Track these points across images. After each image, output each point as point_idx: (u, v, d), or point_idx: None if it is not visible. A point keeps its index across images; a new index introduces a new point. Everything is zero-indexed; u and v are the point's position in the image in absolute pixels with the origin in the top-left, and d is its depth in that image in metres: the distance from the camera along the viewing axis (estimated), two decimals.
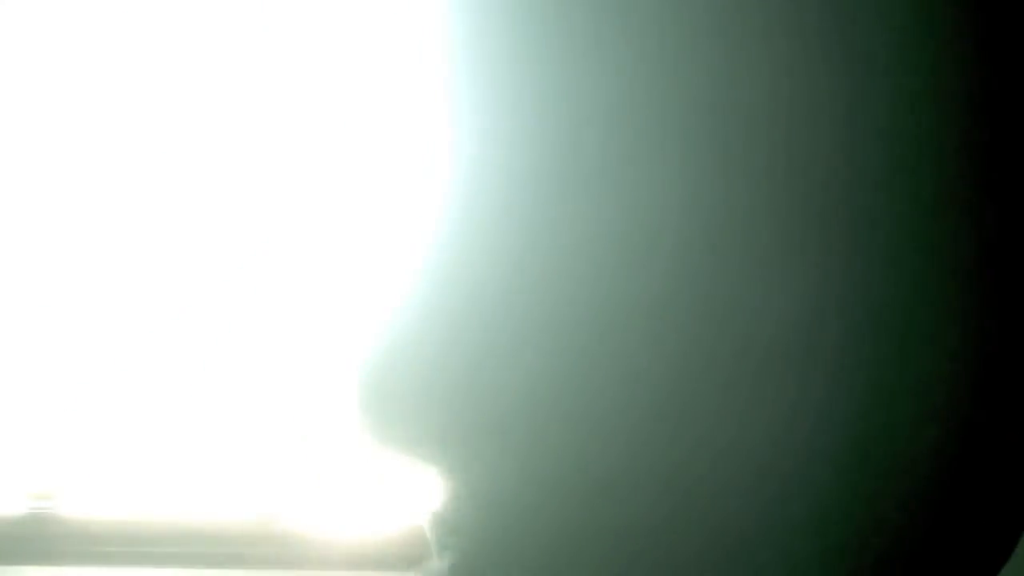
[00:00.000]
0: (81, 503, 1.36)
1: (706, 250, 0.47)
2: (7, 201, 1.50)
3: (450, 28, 0.47)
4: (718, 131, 0.43)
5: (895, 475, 0.50)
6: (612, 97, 0.42)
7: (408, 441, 0.45)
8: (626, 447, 0.42)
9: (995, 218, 0.48)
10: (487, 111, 0.44)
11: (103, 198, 1.47)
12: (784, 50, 0.43)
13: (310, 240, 1.37)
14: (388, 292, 0.45)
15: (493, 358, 0.42)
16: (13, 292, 1.49)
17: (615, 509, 0.41)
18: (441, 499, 0.45)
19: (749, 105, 0.44)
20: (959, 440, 0.49)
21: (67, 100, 1.47)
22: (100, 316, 1.48)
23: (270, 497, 1.31)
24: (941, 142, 0.47)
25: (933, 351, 0.50)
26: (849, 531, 0.52)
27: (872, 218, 0.47)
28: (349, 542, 1.18)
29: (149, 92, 1.45)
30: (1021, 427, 0.51)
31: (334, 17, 1.35)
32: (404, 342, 0.44)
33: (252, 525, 1.25)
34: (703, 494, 0.45)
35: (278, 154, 1.39)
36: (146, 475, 1.40)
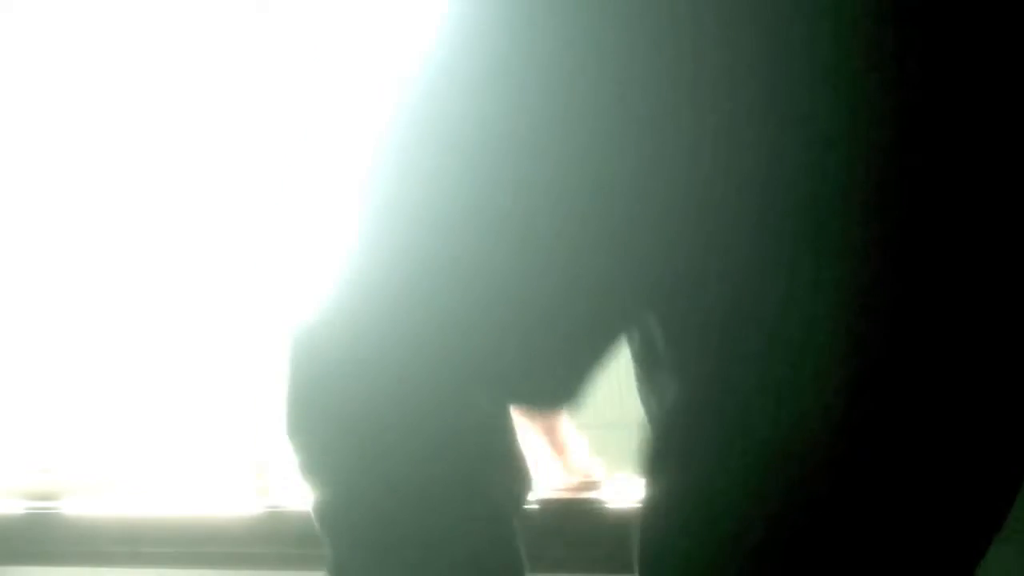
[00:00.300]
0: (81, 503, 1.36)
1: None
2: (6, 199, 1.50)
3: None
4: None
5: (783, 470, 0.53)
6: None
7: None
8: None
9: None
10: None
11: (94, 195, 1.47)
12: None
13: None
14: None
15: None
16: (13, 291, 1.49)
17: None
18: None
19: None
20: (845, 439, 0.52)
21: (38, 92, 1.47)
22: (100, 315, 1.48)
23: (270, 496, 1.30)
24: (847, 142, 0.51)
25: (819, 353, 0.53)
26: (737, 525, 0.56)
27: (774, 223, 0.51)
28: None
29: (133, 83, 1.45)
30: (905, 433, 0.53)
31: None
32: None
33: (252, 525, 1.25)
34: None
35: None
36: (146, 475, 1.39)
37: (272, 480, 1.31)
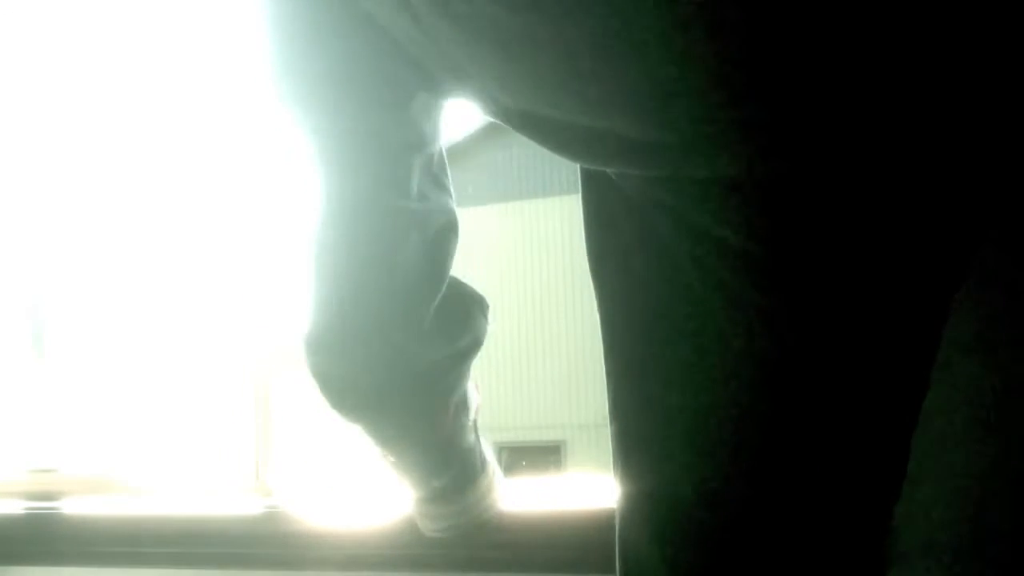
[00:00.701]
0: (81, 503, 1.36)
1: None
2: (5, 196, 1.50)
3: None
4: None
5: None
6: None
7: None
8: None
9: None
10: None
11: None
12: None
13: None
14: None
15: None
16: (14, 290, 1.49)
17: None
18: None
19: None
20: None
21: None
22: (100, 314, 1.48)
23: (270, 496, 1.30)
24: None
25: None
26: None
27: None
28: (349, 541, 1.17)
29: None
30: None
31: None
32: None
33: (252, 525, 1.25)
34: None
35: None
36: (146, 475, 1.40)
37: (272, 480, 1.31)
